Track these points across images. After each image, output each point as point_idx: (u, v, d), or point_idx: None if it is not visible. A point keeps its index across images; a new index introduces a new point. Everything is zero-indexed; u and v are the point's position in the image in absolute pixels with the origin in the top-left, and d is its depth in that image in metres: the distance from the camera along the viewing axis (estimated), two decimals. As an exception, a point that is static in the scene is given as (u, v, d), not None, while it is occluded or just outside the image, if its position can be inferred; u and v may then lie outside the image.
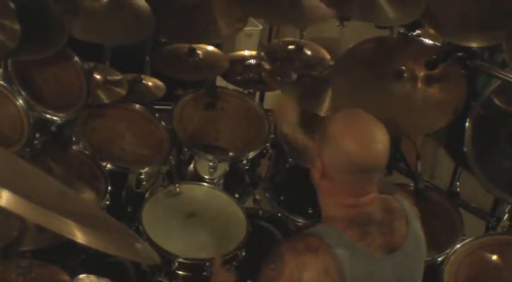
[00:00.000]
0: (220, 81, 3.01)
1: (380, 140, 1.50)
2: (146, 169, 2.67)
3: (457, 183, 2.93)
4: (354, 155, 1.48)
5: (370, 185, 1.55)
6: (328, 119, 1.61)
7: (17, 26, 2.19)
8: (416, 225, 1.65)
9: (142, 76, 2.88)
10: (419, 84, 2.37)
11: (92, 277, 2.02)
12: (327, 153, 1.53)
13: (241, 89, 2.99)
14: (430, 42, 2.49)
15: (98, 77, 2.68)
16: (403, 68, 2.38)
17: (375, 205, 1.58)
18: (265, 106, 3.08)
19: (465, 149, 2.37)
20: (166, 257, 2.32)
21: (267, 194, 2.89)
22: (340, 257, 1.48)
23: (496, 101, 2.40)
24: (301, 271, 1.47)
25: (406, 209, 1.64)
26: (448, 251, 2.31)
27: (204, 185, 2.71)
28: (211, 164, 2.71)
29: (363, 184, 1.54)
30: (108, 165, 2.59)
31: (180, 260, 2.32)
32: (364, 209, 1.56)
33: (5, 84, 2.35)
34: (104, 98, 2.65)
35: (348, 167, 1.50)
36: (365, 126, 1.53)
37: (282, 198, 2.88)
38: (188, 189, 2.64)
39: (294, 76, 2.87)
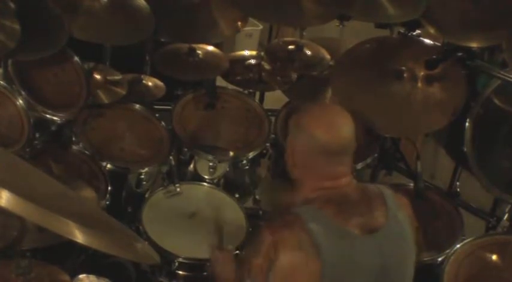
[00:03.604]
0: (220, 81, 3.00)
1: (344, 126, 1.65)
2: (146, 169, 2.67)
3: (457, 183, 2.93)
4: (322, 139, 1.62)
5: (341, 166, 1.65)
6: (297, 113, 1.74)
7: (17, 26, 2.19)
8: (399, 213, 1.67)
9: (142, 76, 2.88)
10: (420, 84, 2.37)
11: (92, 277, 2.02)
12: (299, 142, 1.68)
13: (241, 89, 2.98)
14: (430, 42, 2.49)
15: (98, 77, 2.68)
16: (403, 68, 2.38)
17: (352, 188, 1.66)
18: (265, 106, 3.08)
19: (465, 149, 2.37)
20: (167, 257, 2.32)
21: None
22: (314, 231, 1.55)
23: (496, 101, 2.40)
24: (277, 249, 1.55)
25: (385, 195, 1.68)
26: (448, 251, 2.31)
27: (204, 185, 2.71)
28: (211, 164, 2.71)
29: (334, 166, 1.64)
30: (108, 165, 2.59)
31: (180, 259, 2.32)
32: (340, 190, 1.64)
33: (5, 84, 2.35)
34: (104, 98, 2.64)
35: (318, 151, 1.63)
36: (331, 115, 1.69)
37: (282, 198, 2.88)
38: (188, 189, 2.64)
39: (294, 76, 2.87)
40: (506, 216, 2.55)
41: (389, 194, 1.70)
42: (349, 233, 1.58)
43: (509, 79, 2.11)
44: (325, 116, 1.69)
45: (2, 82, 2.35)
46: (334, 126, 1.64)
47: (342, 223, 1.58)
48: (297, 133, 1.69)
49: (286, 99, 2.95)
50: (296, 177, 1.71)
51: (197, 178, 2.77)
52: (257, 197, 2.89)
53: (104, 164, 2.58)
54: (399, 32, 2.57)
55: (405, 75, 2.37)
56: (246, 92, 3.03)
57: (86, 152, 2.58)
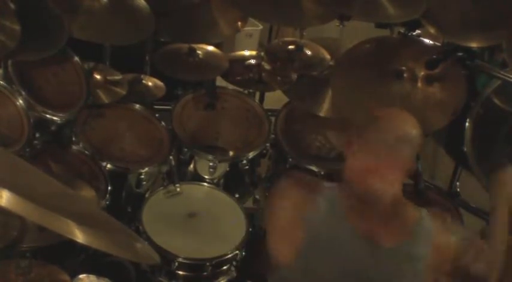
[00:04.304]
0: (220, 81, 3.00)
1: (409, 123, 1.59)
2: (146, 169, 2.67)
3: (457, 183, 2.93)
4: (381, 125, 1.58)
5: (391, 163, 1.57)
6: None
7: (17, 26, 2.19)
8: (420, 249, 1.59)
9: (142, 76, 2.88)
10: (419, 84, 2.37)
11: (92, 277, 2.02)
12: (363, 131, 1.62)
13: (241, 89, 2.99)
14: (430, 42, 2.49)
15: (98, 77, 2.68)
16: (403, 68, 2.38)
17: (388, 194, 1.58)
18: (265, 106, 3.08)
19: (465, 149, 2.37)
20: (166, 257, 2.32)
21: (267, 194, 2.90)
22: (318, 204, 1.58)
23: (496, 101, 2.40)
24: (281, 196, 1.65)
25: (421, 227, 1.60)
26: (448, 251, 2.31)
27: (204, 185, 2.71)
28: (211, 164, 2.71)
29: (385, 158, 1.56)
30: (108, 165, 2.59)
31: (180, 259, 2.33)
32: (374, 190, 1.57)
33: (5, 84, 2.35)
34: (104, 98, 2.64)
35: (374, 137, 1.59)
36: (400, 113, 1.64)
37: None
38: (188, 189, 2.65)
39: (294, 76, 2.87)
40: (506, 216, 2.54)
41: (428, 231, 1.61)
42: (349, 229, 1.56)
43: (509, 79, 2.11)
44: (394, 112, 1.67)
45: (2, 82, 2.35)
46: (398, 118, 1.61)
47: (349, 216, 1.57)
48: (365, 123, 1.65)
49: (286, 99, 2.95)
50: (347, 170, 1.64)
51: (197, 178, 2.78)
52: (257, 196, 2.89)
53: (104, 164, 2.58)
54: (399, 32, 2.57)
55: (405, 75, 2.37)
56: (246, 92, 3.03)
57: (86, 152, 2.58)
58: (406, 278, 1.62)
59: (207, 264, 2.35)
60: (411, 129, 1.59)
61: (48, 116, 2.45)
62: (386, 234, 1.58)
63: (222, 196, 2.66)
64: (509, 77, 2.12)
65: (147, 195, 2.62)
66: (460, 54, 2.24)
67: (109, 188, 2.51)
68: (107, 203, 2.47)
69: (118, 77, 2.73)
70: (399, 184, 1.60)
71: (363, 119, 1.67)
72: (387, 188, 1.58)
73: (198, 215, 2.54)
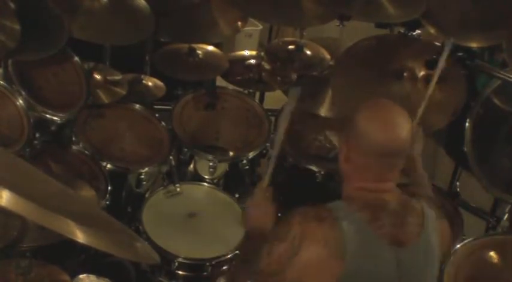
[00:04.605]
0: (220, 81, 3.00)
1: (401, 126, 1.56)
2: (146, 169, 2.67)
3: (457, 183, 2.93)
4: (376, 138, 1.54)
5: (390, 171, 1.58)
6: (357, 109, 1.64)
7: (17, 26, 2.19)
8: (433, 238, 1.62)
9: (142, 76, 2.88)
10: (419, 84, 2.37)
11: (92, 277, 2.02)
12: (352, 138, 1.59)
13: (241, 89, 2.99)
14: (430, 41, 2.49)
15: (98, 77, 2.68)
16: (403, 67, 2.38)
17: (393, 196, 1.60)
18: (265, 106, 3.08)
19: (465, 149, 2.37)
20: (166, 257, 2.32)
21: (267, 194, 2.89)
22: (345, 231, 1.51)
23: (496, 101, 2.40)
24: (302, 238, 1.52)
25: (426, 215, 1.62)
26: (448, 251, 2.31)
27: (204, 185, 2.71)
28: (211, 164, 2.71)
29: (383, 168, 1.57)
30: (108, 165, 2.59)
31: (180, 259, 2.33)
32: (380, 195, 1.58)
33: (5, 84, 2.35)
34: (104, 98, 2.64)
35: (370, 150, 1.55)
36: (388, 113, 1.59)
37: (281, 198, 2.88)
38: (188, 189, 2.65)
39: (294, 76, 2.87)
40: (506, 216, 2.55)
41: (432, 217, 1.63)
42: (377, 239, 1.54)
43: (509, 79, 2.12)
44: (380, 112, 1.60)
45: (2, 82, 2.35)
46: (389, 124, 1.56)
47: (373, 229, 1.54)
48: (350, 129, 1.59)
49: (286, 99, 2.95)
50: (343, 172, 1.64)
51: (197, 178, 2.78)
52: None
53: (104, 164, 2.58)
54: (399, 32, 2.57)
55: (405, 74, 2.37)
56: (246, 92, 3.03)
57: (86, 152, 2.58)
58: (429, 273, 1.63)
59: (207, 264, 2.35)
60: (402, 134, 1.55)
61: (48, 116, 2.45)
62: (406, 232, 1.58)
63: (222, 196, 2.66)
64: (509, 77, 2.12)
65: (147, 195, 2.62)
66: (460, 54, 2.25)
67: (109, 188, 2.51)
68: (107, 203, 2.47)
69: (118, 77, 2.73)
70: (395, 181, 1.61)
71: (353, 120, 1.61)
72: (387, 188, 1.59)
73: (198, 215, 2.54)
